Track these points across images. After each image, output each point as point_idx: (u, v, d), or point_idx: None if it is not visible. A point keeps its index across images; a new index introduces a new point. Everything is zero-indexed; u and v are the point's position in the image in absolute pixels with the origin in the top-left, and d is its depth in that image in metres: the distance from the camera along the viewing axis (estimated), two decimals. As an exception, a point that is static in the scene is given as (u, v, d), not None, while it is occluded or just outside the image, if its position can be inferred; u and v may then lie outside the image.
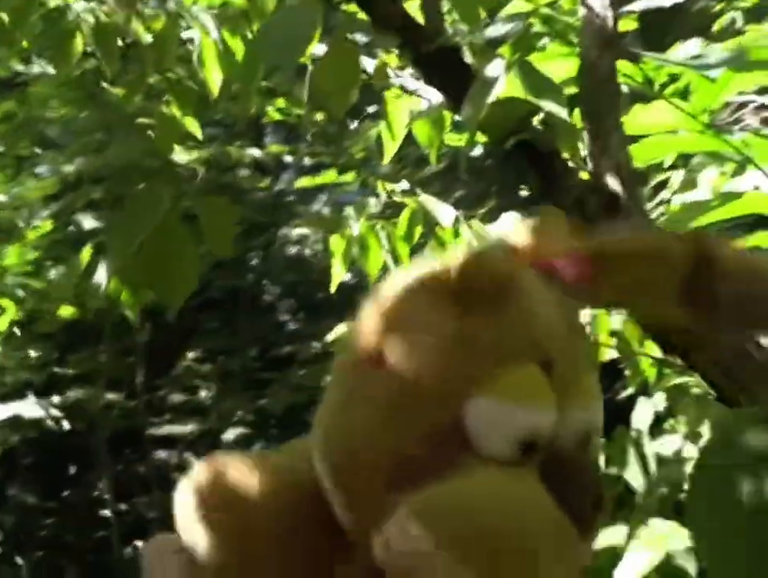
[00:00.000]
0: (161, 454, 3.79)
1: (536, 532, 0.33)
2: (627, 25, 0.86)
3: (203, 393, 3.85)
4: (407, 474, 0.34)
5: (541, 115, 0.61)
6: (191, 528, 0.36)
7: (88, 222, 3.14)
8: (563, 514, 0.33)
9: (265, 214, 4.21)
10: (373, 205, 0.87)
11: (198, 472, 0.37)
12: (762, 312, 0.40)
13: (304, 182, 3.33)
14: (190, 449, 3.79)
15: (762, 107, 0.86)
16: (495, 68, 0.51)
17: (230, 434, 3.73)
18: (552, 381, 0.34)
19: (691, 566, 1.68)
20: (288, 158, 4.27)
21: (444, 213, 0.79)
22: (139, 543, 3.63)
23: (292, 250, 4.64)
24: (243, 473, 0.37)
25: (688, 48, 1.50)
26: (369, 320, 0.36)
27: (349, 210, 0.84)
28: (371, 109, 0.77)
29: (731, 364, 0.55)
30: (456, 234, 0.83)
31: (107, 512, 3.47)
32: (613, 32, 0.62)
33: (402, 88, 0.70)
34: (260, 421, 3.70)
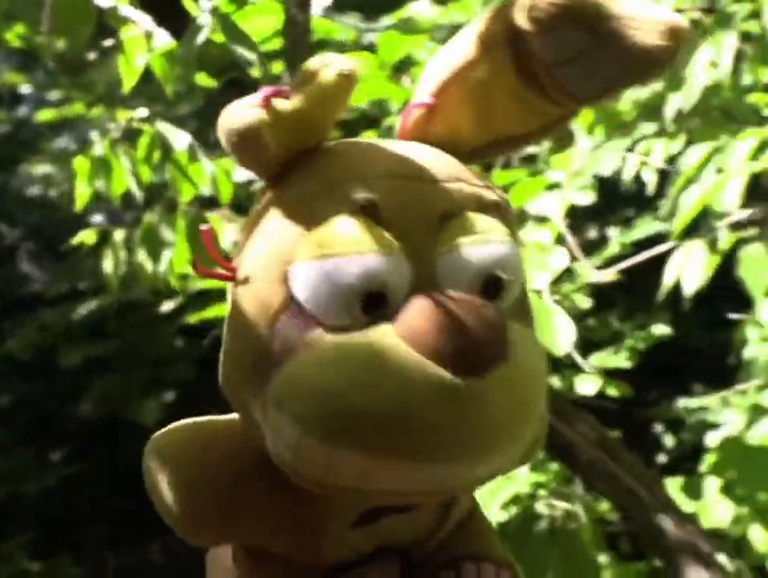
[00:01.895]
0: None
1: (392, 392, 0.28)
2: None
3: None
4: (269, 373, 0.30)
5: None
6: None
7: None
8: (429, 362, 0.28)
9: (2, 150, 3.88)
10: (114, 129, 0.97)
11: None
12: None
13: (47, 115, 3.13)
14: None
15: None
16: (203, 18, 0.66)
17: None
18: (384, 224, 0.30)
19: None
20: (26, 89, 3.94)
21: (178, 139, 0.92)
22: None
23: (35, 189, 4.33)
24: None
25: (417, 6, 1.75)
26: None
27: (93, 133, 0.93)
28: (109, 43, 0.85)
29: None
30: (191, 158, 0.96)
31: None
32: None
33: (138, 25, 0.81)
34: (7, 368, 3.50)
